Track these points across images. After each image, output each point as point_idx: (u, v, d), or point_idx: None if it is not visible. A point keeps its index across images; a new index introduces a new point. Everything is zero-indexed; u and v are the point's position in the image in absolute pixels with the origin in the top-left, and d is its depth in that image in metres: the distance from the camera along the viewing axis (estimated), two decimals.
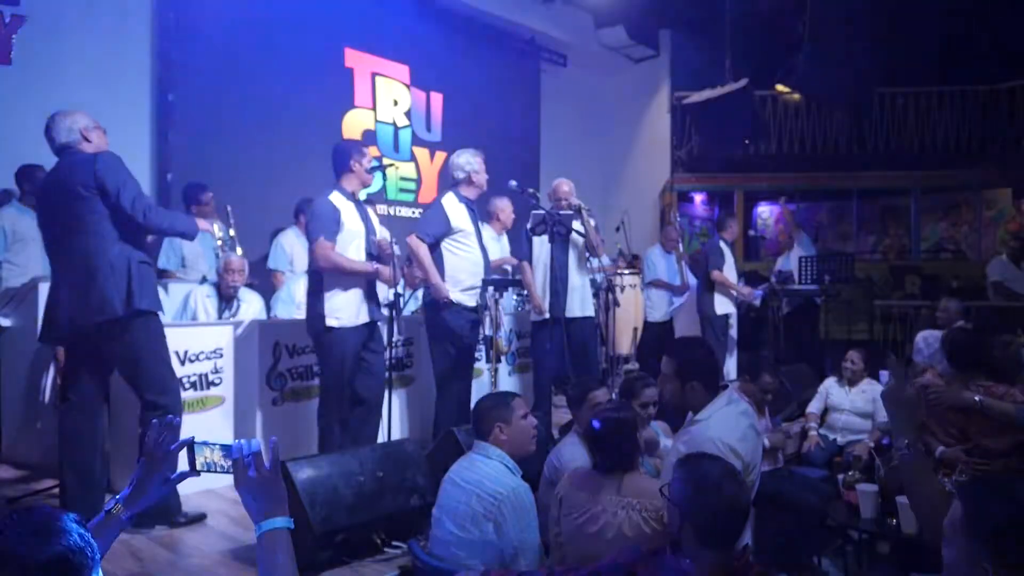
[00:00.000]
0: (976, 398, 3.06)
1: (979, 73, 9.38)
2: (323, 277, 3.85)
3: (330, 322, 3.81)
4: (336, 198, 3.88)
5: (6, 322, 4.46)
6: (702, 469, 1.76)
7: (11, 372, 4.47)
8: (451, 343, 4.34)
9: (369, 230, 3.98)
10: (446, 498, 2.50)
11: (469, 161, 4.49)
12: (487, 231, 6.06)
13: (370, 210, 4.15)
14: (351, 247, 3.88)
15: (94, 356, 3.29)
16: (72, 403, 3.29)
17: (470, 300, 4.36)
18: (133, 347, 3.22)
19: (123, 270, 3.14)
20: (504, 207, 6.03)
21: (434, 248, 4.33)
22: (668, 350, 2.73)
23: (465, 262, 4.36)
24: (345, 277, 3.84)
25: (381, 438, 4.14)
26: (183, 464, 1.48)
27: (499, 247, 5.95)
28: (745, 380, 3.85)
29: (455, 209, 4.39)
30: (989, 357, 3.31)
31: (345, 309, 3.84)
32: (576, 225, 4.95)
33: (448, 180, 4.67)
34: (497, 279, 4.82)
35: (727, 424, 2.48)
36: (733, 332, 7.27)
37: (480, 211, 6.05)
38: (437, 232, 4.31)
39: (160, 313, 3.36)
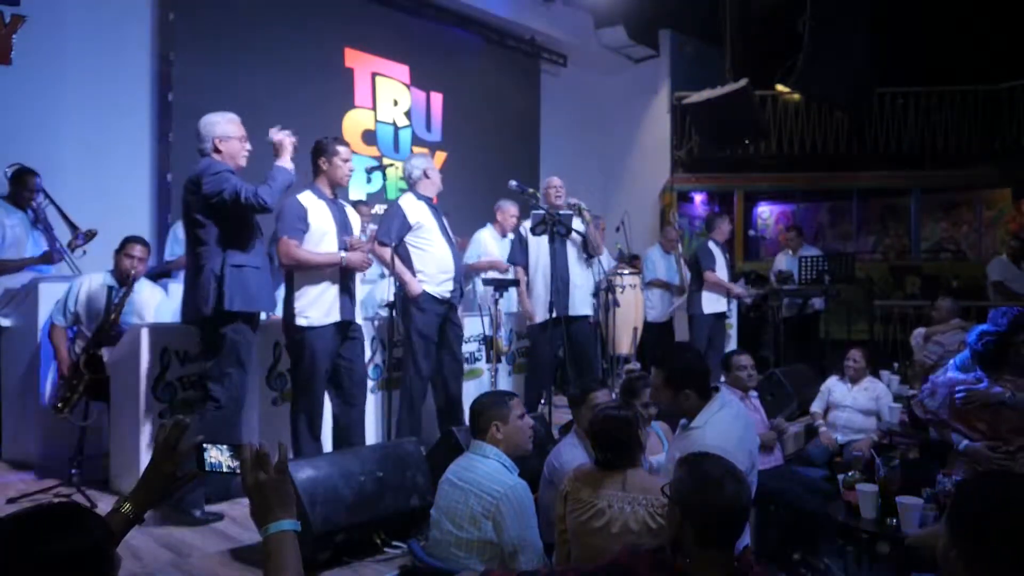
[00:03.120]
0: (1007, 394, 3.11)
1: (979, 73, 9.38)
2: (294, 276, 3.82)
3: (299, 321, 3.76)
4: (305, 197, 3.84)
5: (6, 322, 4.46)
6: (703, 468, 1.75)
7: (11, 372, 4.47)
8: (416, 335, 4.34)
9: (341, 228, 3.90)
10: (444, 499, 2.50)
11: (419, 164, 4.56)
12: (488, 231, 6.07)
13: (349, 209, 4.10)
14: (321, 246, 3.83)
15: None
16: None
17: (442, 291, 4.39)
18: (212, 350, 3.49)
19: (217, 273, 3.41)
20: (507, 209, 6.03)
21: (399, 247, 4.35)
22: (656, 360, 2.74)
23: (430, 257, 4.39)
24: (314, 275, 3.79)
25: (381, 438, 4.14)
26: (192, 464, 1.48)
27: (499, 247, 5.95)
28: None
29: (413, 206, 4.42)
30: (1017, 355, 3.34)
31: (314, 308, 3.78)
32: (576, 224, 4.96)
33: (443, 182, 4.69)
34: (497, 279, 4.83)
35: (723, 430, 2.48)
36: (732, 332, 7.26)
37: (489, 213, 6.08)
38: (397, 232, 4.35)
39: (266, 313, 3.73)
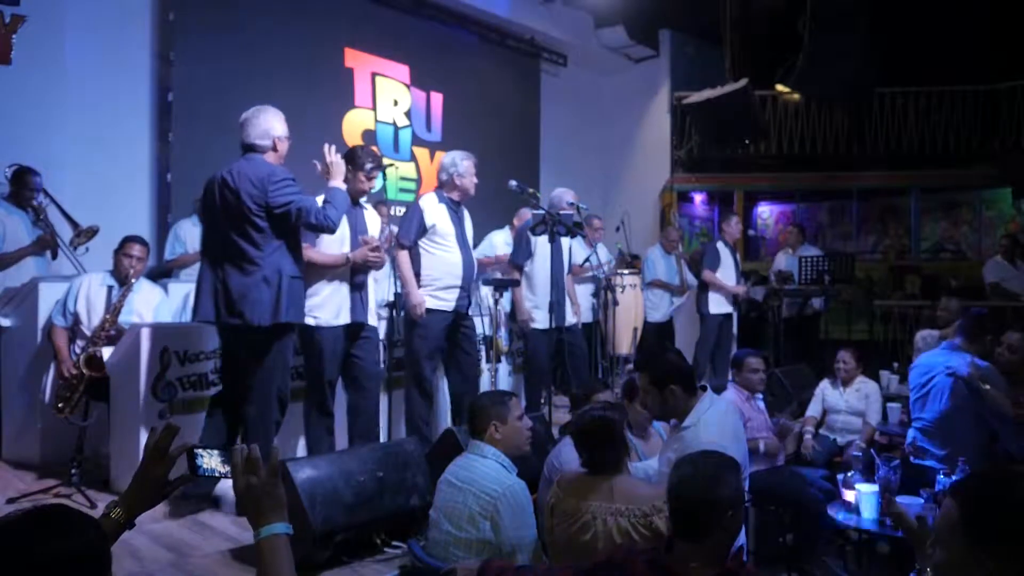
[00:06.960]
0: None
1: (979, 73, 9.38)
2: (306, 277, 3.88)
3: (308, 320, 3.81)
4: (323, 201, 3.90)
5: (6, 322, 4.45)
6: (693, 458, 1.77)
7: (11, 372, 4.46)
8: (415, 352, 4.30)
9: (356, 232, 3.94)
10: (443, 499, 2.51)
11: (455, 163, 4.45)
12: (504, 234, 6.05)
13: (368, 213, 4.13)
14: (335, 249, 3.88)
15: (235, 355, 3.58)
16: (219, 397, 3.65)
17: (447, 302, 4.29)
18: (260, 356, 3.44)
19: (275, 283, 3.37)
20: (525, 215, 6.01)
21: (413, 248, 4.33)
22: (639, 365, 2.74)
23: (440, 262, 4.30)
24: (325, 276, 3.84)
25: (383, 437, 4.15)
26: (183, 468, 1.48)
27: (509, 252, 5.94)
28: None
29: (433, 208, 4.37)
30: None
31: (324, 308, 3.83)
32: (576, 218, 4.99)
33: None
34: (497, 279, 4.82)
35: (716, 426, 2.48)
36: (735, 331, 7.25)
37: (488, 212, 6.07)
38: (414, 234, 4.32)
39: (309, 320, 3.71)
